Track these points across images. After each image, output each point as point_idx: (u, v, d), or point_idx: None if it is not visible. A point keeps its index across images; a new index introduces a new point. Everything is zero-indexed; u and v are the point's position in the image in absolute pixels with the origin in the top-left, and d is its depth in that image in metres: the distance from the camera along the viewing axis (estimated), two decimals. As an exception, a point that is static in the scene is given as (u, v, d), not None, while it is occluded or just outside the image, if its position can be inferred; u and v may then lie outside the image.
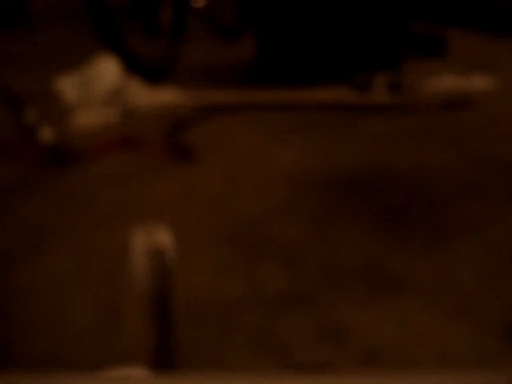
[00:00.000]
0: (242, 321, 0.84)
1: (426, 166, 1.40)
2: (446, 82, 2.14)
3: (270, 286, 0.93)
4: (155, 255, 0.40)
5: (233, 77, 2.43)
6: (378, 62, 2.24)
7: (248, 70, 2.51)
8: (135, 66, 2.13)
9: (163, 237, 0.40)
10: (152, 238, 0.40)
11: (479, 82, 2.15)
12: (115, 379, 0.41)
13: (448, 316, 0.84)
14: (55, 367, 0.75)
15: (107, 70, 1.93)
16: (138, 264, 0.40)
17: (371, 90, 2.02)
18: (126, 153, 1.55)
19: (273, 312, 0.86)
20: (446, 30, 2.82)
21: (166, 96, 1.99)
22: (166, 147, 1.55)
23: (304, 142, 1.59)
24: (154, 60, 2.33)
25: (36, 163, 1.47)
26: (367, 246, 1.04)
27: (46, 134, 1.58)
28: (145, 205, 1.24)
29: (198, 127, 1.76)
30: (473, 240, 1.05)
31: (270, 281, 0.94)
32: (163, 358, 0.48)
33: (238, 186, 1.31)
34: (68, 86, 2.01)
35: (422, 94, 2.05)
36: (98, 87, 1.90)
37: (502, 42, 3.05)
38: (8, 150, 1.54)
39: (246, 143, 1.60)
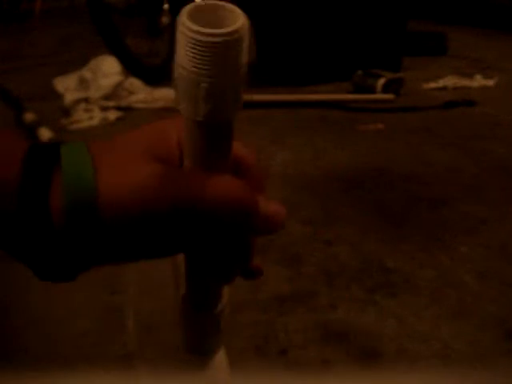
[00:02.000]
0: (241, 321, 0.84)
1: (426, 166, 1.40)
2: (446, 81, 2.14)
3: (270, 286, 0.93)
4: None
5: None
6: (378, 61, 2.24)
7: (247, 69, 2.51)
8: (135, 66, 2.13)
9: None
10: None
11: (479, 82, 2.15)
12: (115, 378, 0.41)
13: (448, 316, 0.84)
14: (55, 367, 0.75)
15: (107, 70, 1.93)
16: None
17: (371, 90, 2.02)
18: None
19: (273, 312, 0.86)
20: (447, 30, 2.82)
21: (164, 95, 1.99)
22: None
23: (304, 142, 1.59)
24: (153, 59, 2.33)
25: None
26: (367, 246, 1.04)
27: (46, 133, 1.58)
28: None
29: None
30: (473, 240, 1.05)
31: (269, 281, 0.94)
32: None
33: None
34: (68, 86, 2.01)
35: (422, 94, 2.05)
36: (98, 87, 1.90)
37: (502, 40, 3.05)
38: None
39: (245, 143, 1.59)
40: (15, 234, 0.25)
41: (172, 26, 2.49)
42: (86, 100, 1.85)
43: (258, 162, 0.32)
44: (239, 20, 0.24)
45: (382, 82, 2.00)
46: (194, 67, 0.24)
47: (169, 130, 0.30)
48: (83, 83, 1.97)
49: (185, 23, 0.23)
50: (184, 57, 0.24)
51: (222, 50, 0.23)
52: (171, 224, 0.26)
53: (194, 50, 0.23)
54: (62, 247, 0.26)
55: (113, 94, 1.91)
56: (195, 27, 0.23)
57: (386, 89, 2.00)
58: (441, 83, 2.12)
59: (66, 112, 1.82)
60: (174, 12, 2.51)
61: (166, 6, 2.48)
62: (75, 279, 0.28)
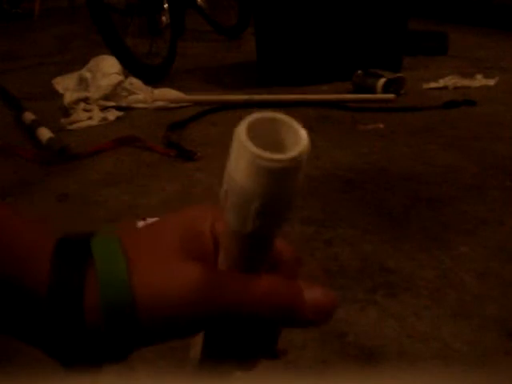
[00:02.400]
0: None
1: (426, 166, 1.40)
2: (446, 81, 2.14)
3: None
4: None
5: (232, 76, 2.43)
6: (378, 61, 2.24)
7: (248, 69, 2.51)
8: (135, 66, 2.13)
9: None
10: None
11: (480, 82, 2.15)
12: (115, 378, 0.41)
13: (448, 316, 0.84)
14: (55, 367, 0.75)
15: (107, 70, 1.93)
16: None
17: (371, 90, 2.02)
18: (125, 152, 1.55)
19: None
20: (447, 29, 2.82)
21: (165, 95, 1.99)
22: (165, 146, 1.55)
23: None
24: (153, 59, 2.33)
25: (35, 162, 1.47)
26: (367, 246, 1.04)
27: (46, 133, 1.58)
28: (144, 204, 1.24)
29: (197, 126, 1.76)
30: (473, 240, 1.05)
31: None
32: None
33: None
34: (67, 86, 2.01)
35: (423, 94, 2.05)
36: (98, 87, 1.90)
37: (502, 40, 3.05)
38: (8, 149, 1.54)
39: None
40: (44, 334, 0.26)
41: (172, 26, 2.49)
42: (86, 100, 1.85)
43: (295, 255, 0.31)
44: (301, 142, 0.22)
45: (382, 82, 2.00)
46: (248, 185, 0.23)
47: (200, 222, 0.29)
48: (83, 83, 1.97)
49: (243, 142, 0.22)
50: (238, 171, 0.23)
51: (280, 175, 0.22)
52: (210, 324, 0.27)
53: (250, 170, 0.22)
54: (94, 344, 0.26)
55: (112, 93, 1.91)
56: (255, 150, 0.22)
57: (386, 89, 2.00)
58: (441, 83, 2.12)
59: (66, 112, 1.82)
60: (174, 11, 2.51)
61: (166, 6, 2.48)
62: (102, 368, 0.28)
